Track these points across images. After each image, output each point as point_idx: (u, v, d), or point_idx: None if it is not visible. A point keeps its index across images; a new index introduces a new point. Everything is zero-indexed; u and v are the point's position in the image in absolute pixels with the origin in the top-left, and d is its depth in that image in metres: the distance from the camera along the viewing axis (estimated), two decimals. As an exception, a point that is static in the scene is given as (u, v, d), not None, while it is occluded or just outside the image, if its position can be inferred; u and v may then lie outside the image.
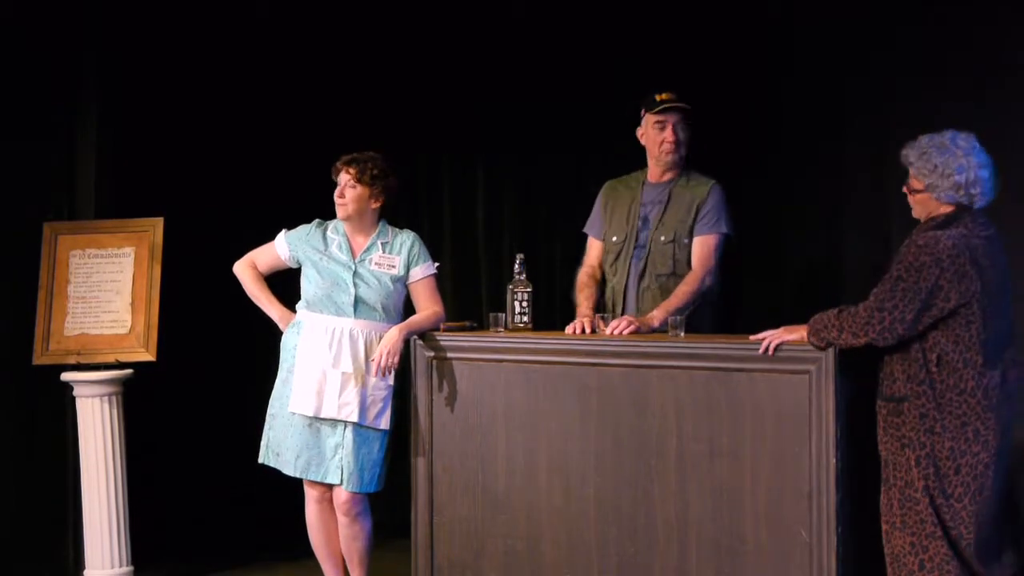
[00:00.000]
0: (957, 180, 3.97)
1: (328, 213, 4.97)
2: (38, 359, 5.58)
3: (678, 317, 4.48)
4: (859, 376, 4.11)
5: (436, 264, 4.97)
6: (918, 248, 3.92)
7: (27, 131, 5.73)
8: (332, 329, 4.81)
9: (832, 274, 5.56)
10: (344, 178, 4.86)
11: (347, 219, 4.88)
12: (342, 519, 4.87)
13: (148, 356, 5.55)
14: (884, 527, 4.04)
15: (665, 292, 4.77)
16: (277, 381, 4.92)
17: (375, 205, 4.91)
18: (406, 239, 4.93)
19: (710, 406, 4.23)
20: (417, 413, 4.78)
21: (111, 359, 5.53)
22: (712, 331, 4.74)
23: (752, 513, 4.17)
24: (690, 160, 4.96)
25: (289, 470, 4.86)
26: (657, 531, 4.33)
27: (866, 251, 5.40)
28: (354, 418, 4.75)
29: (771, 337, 4.11)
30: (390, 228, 4.96)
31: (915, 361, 3.95)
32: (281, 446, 4.87)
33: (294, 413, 4.82)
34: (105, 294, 5.62)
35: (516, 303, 4.80)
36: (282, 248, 4.98)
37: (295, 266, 4.96)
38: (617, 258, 4.94)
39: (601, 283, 5.03)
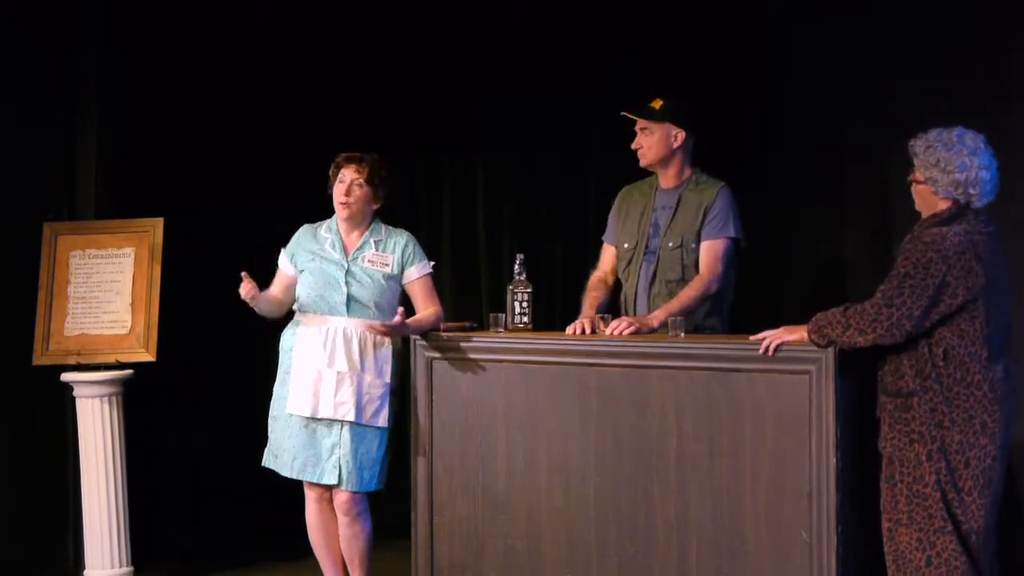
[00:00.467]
0: (957, 178, 3.99)
1: (326, 214, 4.97)
2: (38, 359, 5.58)
3: (678, 318, 4.48)
4: (857, 375, 4.11)
5: (432, 263, 4.96)
6: (924, 245, 3.94)
7: (27, 131, 5.73)
8: (326, 329, 4.81)
9: (833, 274, 5.56)
10: (352, 176, 4.85)
11: (349, 218, 4.88)
12: (342, 519, 4.87)
13: (148, 356, 5.55)
14: (886, 525, 4.03)
15: (667, 302, 4.76)
16: (276, 383, 4.92)
17: (375, 206, 4.91)
18: (400, 238, 4.92)
19: (710, 406, 4.23)
20: (417, 413, 4.78)
21: (111, 359, 5.53)
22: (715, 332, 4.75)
23: (752, 513, 4.17)
24: (700, 162, 4.94)
25: (286, 472, 4.86)
26: (657, 531, 4.33)
27: (866, 251, 5.40)
28: (351, 417, 4.75)
29: (771, 337, 4.11)
30: (383, 226, 4.96)
31: (921, 356, 3.97)
32: (279, 448, 4.87)
33: (291, 414, 4.82)
34: (105, 294, 5.62)
35: (516, 303, 4.80)
36: (285, 264, 4.97)
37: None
38: (628, 264, 4.93)
39: (611, 288, 5.01)
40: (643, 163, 4.92)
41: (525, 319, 4.80)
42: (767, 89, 5.68)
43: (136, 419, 5.63)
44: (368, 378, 4.78)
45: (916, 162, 4.08)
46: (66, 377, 5.51)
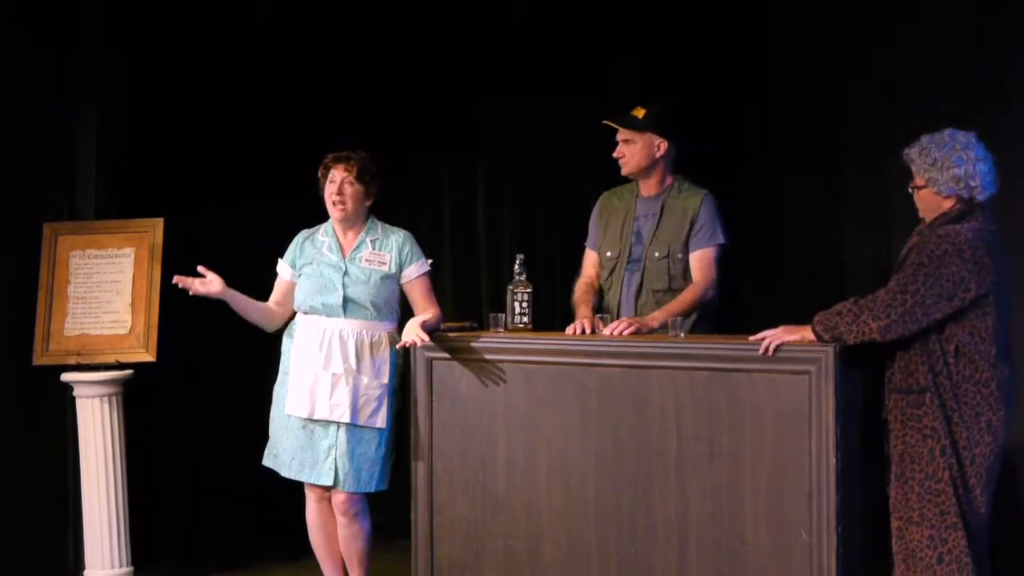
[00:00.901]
0: (956, 173, 4.02)
1: (325, 214, 4.97)
2: (38, 359, 5.58)
3: (679, 318, 4.48)
4: (859, 376, 4.12)
5: (430, 261, 4.96)
6: (939, 238, 3.97)
7: (27, 131, 5.73)
8: (323, 330, 4.81)
9: (832, 275, 5.56)
10: (341, 175, 4.85)
11: (343, 218, 4.87)
12: (340, 519, 4.87)
13: (148, 356, 5.55)
14: (896, 523, 4.05)
15: (662, 307, 4.75)
16: (276, 383, 4.92)
17: (368, 203, 4.91)
18: (397, 237, 4.92)
19: (710, 406, 4.23)
20: (417, 413, 4.77)
21: (111, 359, 5.53)
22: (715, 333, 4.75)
23: (752, 513, 4.17)
24: (684, 167, 4.94)
25: (285, 472, 4.86)
26: (657, 531, 4.33)
27: (866, 252, 5.40)
28: (346, 419, 4.74)
29: (771, 337, 4.11)
30: (380, 225, 4.95)
31: (932, 352, 3.99)
32: (278, 448, 4.87)
33: (290, 415, 4.82)
34: (105, 294, 5.62)
35: (516, 303, 4.79)
36: (285, 270, 4.97)
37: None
38: (611, 273, 4.93)
39: (599, 293, 5.01)
40: (624, 172, 4.92)
41: (525, 319, 4.79)
42: (767, 89, 5.68)
43: (136, 419, 5.63)
44: (365, 379, 4.78)
45: (913, 168, 4.12)
46: (66, 377, 5.51)
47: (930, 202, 4.10)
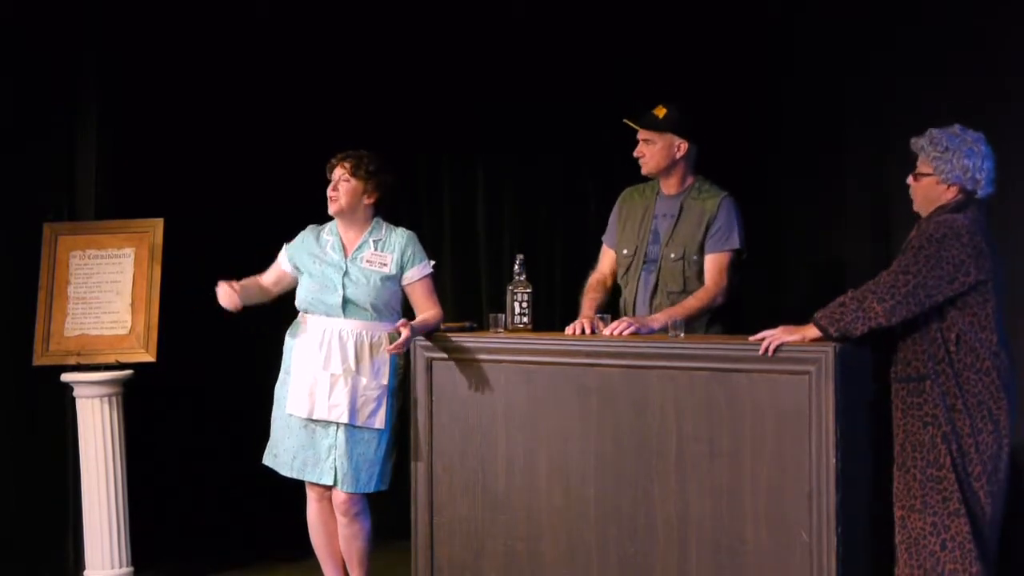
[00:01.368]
0: (966, 163, 4.07)
1: (325, 214, 4.97)
2: (38, 360, 5.58)
3: (679, 319, 4.48)
4: (858, 373, 4.12)
5: (432, 263, 4.96)
6: (937, 223, 4.01)
7: (27, 131, 5.73)
8: (323, 330, 4.81)
9: (833, 274, 5.56)
10: (338, 172, 4.86)
11: (339, 213, 4.87)
12: (340, 519, 4.87)
13: (148, 357, 5.55)
14: (899, 513, 4.08)
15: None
16: (277, 382, 4.92)
17: (368, 201, 4.89)
18: (400, 238, 4.91)
19: (710, 406, 4.23)
20: (417, 413, 4.77)
21: (111, 360, 5.54)
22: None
23: (752, 513, 4.17)
24: (701, 164, 4.93)
25: (285, 471, 4.86)
26: (657, 531, 4.33)
27: (866, 251, 5.40)
28: (344, 419, 4.75)
29: (771, 338, 4.12)
30: (384, 225, 4.94)
31: (933, 340, 4.03)
32: (279, 447, 4.88)
33: (291, 415, 4.82)
34: (105, 295, 5.62)
35: (516, 304, 4.79)
36: (284, 262, 4.98)
37: (297, 275, 4.95)
38: (627, 271, 4.92)
39: (609, 290, 5.00)
40: (645, 171, 4.89)
41: (525, 319, 4.79)
42: (767, 89, 5.68)
43: (136, 419, 5.63)
44: (364, 380, 4.78)
45: (922, 156, 4.15)
46: (66, 377, 5.51)
47: (930, 192, 4.13)
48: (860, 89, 5.42)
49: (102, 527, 5.48)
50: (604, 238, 5.08)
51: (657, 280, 4.83)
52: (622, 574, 4.41)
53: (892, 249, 4.81)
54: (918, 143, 4.16)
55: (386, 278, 4.85)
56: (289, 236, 5.03)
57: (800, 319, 4.14)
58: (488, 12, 6.11)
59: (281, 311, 5.05)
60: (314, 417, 4.77)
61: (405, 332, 4.64)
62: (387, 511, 5.24)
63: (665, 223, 4.86)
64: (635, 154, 4.88)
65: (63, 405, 5.65)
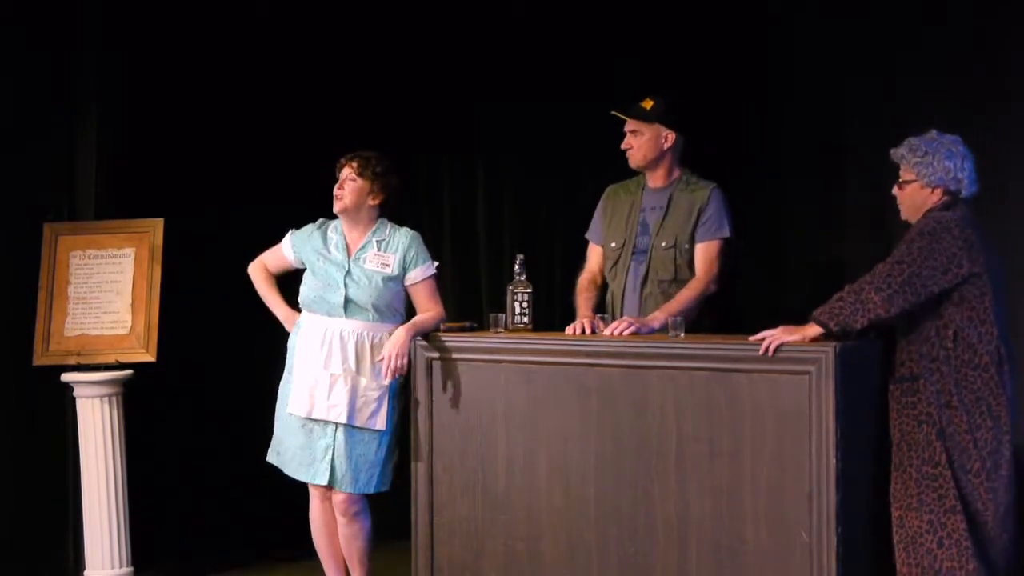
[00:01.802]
0: (947, 164, 4.12)
1: (329, 213, 4.97)
2: (38, 360, 5.58)
3: (678, 318, 4.48)
4: (859, 373, 4.12)
5: (436, 264, 4.96)
6: (926, 219, 4.08)
7: (27, 131, 5.73)
8: (324, 330, 4.81)
9: (832, 274, 5.55)
10: (345, 172, 4.87)
11: (343, 212, 4.87)
12: (340, 519, 4.88)
13: (148, 356, 5.55)
14: (896, 513, 4.10)
15: (668, 298, 4.75)
16: (281, 381, 4.93)
17: (373, 202, 4.90)
18: (403, 238, 4.91)
19: (710, 406, 4.23)
20: (417, 413, 4.77)
21: (111, 359, 5.54)
22: (713, 332, 4.74)
23: (752, 513, 4.17)
24: (690, 163, 4.94)
25: (288, 470, 4.88)
26: (657, 531, 4.33)
27: (866, 251, 5.39)
28: (343, 419, 4.75)
29: (771, 338, 4.12)
30: (389, 225, 4.95)
31: (927, 340, 4.07)
32: (282, 445, 4.88)
33: (291, 414, 4.82)
34: (105, 295, 5.62)
35: (516, 304, 4.79)
36: (287, 249, 4.99)
37: (301, 267, 4.96)
38: (616, 263, 4.93)
39: (602, 288, 5.02)
40: (632, 164, 4.92)
41: (525, 319, 4.79)
42: (767, 89, 5.68)
43: (136, 419, 5.63)
44: (364, 380, 4.78)
45: (903, 164, 4.24)
46: (66, 377, 5.51)
47: (916, 198, 4.19)
48: (860, 89, 5.42)
49: (102, 527, 5.48)
50: (589, 236, 5.09)
51: (647, 269, 4.85)
52: (622, 574, 4.41)
53: (892, 249, 4.80)
54: (897, 152, 4.23)
55: (388, 279, 4.85)
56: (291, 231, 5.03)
57: (800, 319, 4.14)
58: (488, 12, 6.11)
59: (281, 311, 5.06)
60: (313, 416, 4.78)
61: (397, 366, 4.70)
62: (387, 511, 5.24)
63: (654, 215, 4.87)
64: (623, 146, 4.91)
65: (63, 405, 5.65)
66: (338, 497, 4.83)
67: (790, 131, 5.66)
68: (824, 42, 5.52)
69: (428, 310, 4.86)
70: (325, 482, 4.79)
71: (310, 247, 4.93)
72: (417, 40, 6.26)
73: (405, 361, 4.72)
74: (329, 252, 4.89)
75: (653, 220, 4.87)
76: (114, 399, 5.49)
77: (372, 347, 4.81)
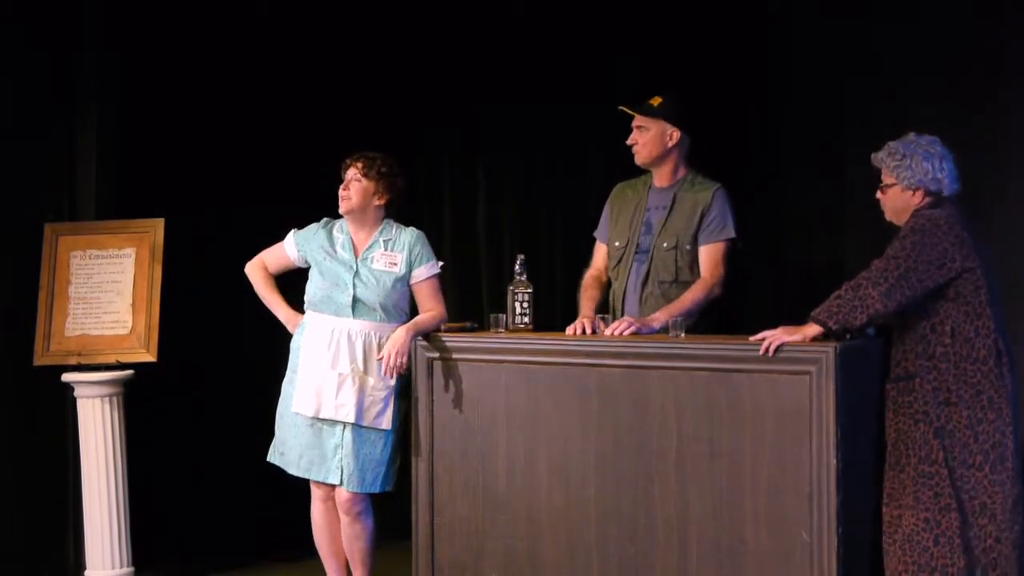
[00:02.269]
0: (925, 165, 4.15)
1: (329, 213, 4.98)
2: (39, 360, 5.58)
3: (679, 319, 4.48)
4: (858, 373, 4.13)
5: (440, 263, 4.96)
6: (915, 218, 4.12)
7: (27, 131, 5.73)
8: (332, 329, 4.82)
9: (832, 274, 5.54)
10: (351, 172, 4.87)
11: (349, 212, 4.88)
12: (343, 518, 4.88)
13: (149, 357, 5.55)
14: (892, 512, 4.11)
15: (668, 299, 4.74)
16: (284, 381, 4.93)
17: (379, 202, 4.90)
18: (409, 237, 4.92)
19: (710, 406, 4.23)
20: (418, 413, 4.78)
21: (112, 360, 5.53)
22: (714, 332, 4.74)
23: (752, 513, 4.17)
24: (694, 162, 4.94)
25: (293, 469, 4.87)
26: (657, 531, 4.34)
27: (866, 251, 5.38)
28: (351, 419, 4.75)
29: (771, 338, 4.12)
30: (394, 225, 4.95)
31: (924, 338, 4.09)
32: (285, 445, 4.88)
33: (297, 413, 4.82)
34: (106, 295, 5.62)
35: (517, 304, 4.79)
36: (291, 248, 4.99)
37: (304, 266, 4.97)
38: (619, 263, 4.93)
39: (606, 286, 5.02)
40: (638, 161, 4.92)
41: (526, 319, 4.79)
42: (767, 89, 5.68)
43: (136, 419, 5.63)
44: (371, 380, 4.78)
45: (884, 168, 4.27)
46: (67, 377, 5.51)
47: (898, 201, 4.22)
48: (860, 89, 5.42)
49: (102, 527, 5.48)
50: (596, 234, 5.10)
51: (649, 269, 4.84)
52: (622, 574, 4.41)
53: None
54: (877, 157, 4.27)
55: (396, 279, 4.86)
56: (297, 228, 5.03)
57: (800, 319, 4.15)
58: (488, 12, 6.11)
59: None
60: (321, 416, 4.78)
61: (397, 364, 4.70)
62: (388, 511, 5.24)
63: (658, 215, 4.87)
64: (628, 141, 4.90)
65: (64, 405, 5.65)
66: (343, 496, 4.83)
67: (790, 131, 5.66)
68: (824, 42, 5.52)
69: (430, 309, 4.86)
70: (337, 480, 4.80)
71: (316, 245, 4.93)
72: (417, 40, 6.26)
73: (405, 359, 4.73)
74: (336, 252, 4.90)
75: (656, 220, 4.87)
76: (114, 399, 5.48)
77: (379, 346, 4.81)
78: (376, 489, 4.83)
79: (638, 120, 4.89)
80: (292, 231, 5.01)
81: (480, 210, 6.42)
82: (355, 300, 4.81)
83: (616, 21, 5.91)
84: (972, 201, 4.32)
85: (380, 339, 4.81)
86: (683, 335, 4.41)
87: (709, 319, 4.77)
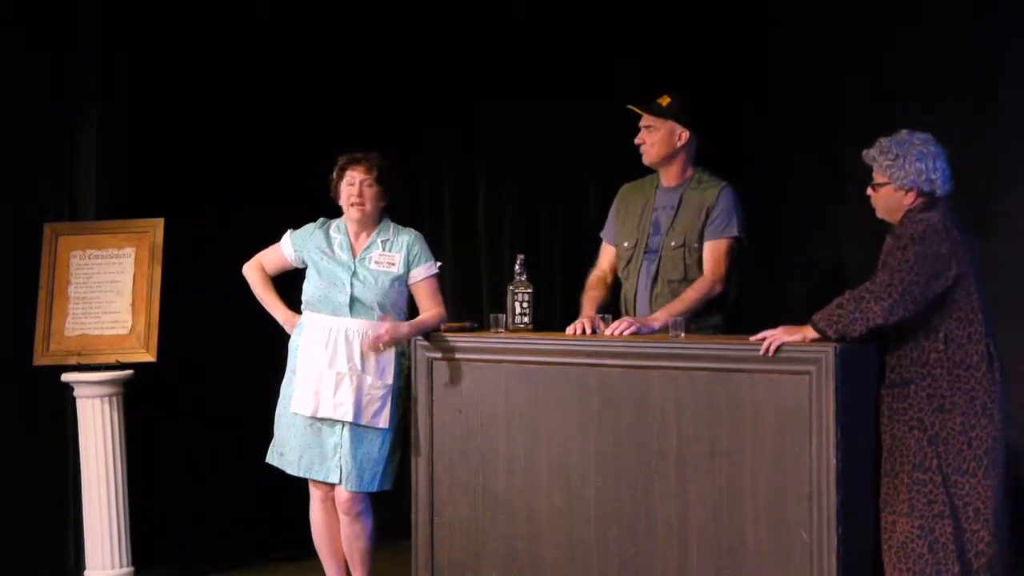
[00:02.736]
0: (919, 166, 4.12)
1: (328, 213, 4.97)
2: (39, 360, 5.58)
3: (679, 318, 4.48)
4: (858, 375, 4.13)
5: (439, 264, 4.96)
6: (914, 223, 4.07)
7: (27, 132, 5.73)
8: (329, 329, 4.82)
9: (832, 274, 5.56)
10: (360, 177, 4.85)
11: (361, 219, 4.88)
12: (343, 518, 4.88)
13: (148, 356, 5.55)
14: (887, 519, 4.10)
15: (677, 297, 4.75)
16: (283, 382, 4.93)
17: (383, 204, 4.91)
18: (407, 237, 4.92)
19: (710, 406, 4.23)
20: (417, 413, 4.78)
21: (111, 360, 5.53)
22: (716, 332, 4.74)
23: (752, 513, 4.17)
24: (701, 162, 4.93)
25: (292, 470, 4.87)
26: (657, 531, 4.34)
27: (866, 251, 5.39)
28: (349, 417, 4.75)
29: (771, 338, 4.12)
30: (392, 225, 4.96)
31: (918, 345, 4.07)
32: (285, 446, 4.88)
33: (296, 413, 4.83)
34: (106, 295, 5.62)
35: (517, 304, 4.79)
36: (287, 249, 4.99)
37: (301, 266, 4.97)
38: (628, 263, 4.92)
39: (610, 287, 5.00)
40: (646, 160, 4.90)
41: (526, 319, 4.79)
42: (767, 89, 5.68)
43: (136, 419, 5.63)
44: (369, 379, 4.78)
45: (875, 166, 4.24)
46: (66, 377, 5.51)
47: (890, 200, 4.19)
48: (860, 89, 5.42)
49: (102, 527, 5.48)
50: (603, 234, 5.09)
51: (658, 269, 4.84)
52: (622, 574, 4.41)
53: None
54: (869, 154, 4.23)
55: (394, 279, 4.86)
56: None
57: (800, 319, 4.14)
58: (488, 12, 6.11)
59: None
60: (319, 415, 4.78)
61: (382, 337, 4.70)
62: (388, 511, 5.24)
63: (666, 214, 4.86)
64: (636, 141, 4.89)
65: (63, 405, 5.65)
66: (342, 496, 4.83)
67: (790, 131, 5.66)
68: (824, 42, 5.52)
69: (429, 309, 4.87)
70: (337, 480, 4.80)
71: (312, 245, 4.93)
72: (417, 40, 6.26)
73: (387, 340, 4.71)
74: (333, 252, 4.90)
75: (665, 220, 4.86)
76: (114, 399, 5.48)
77: (377, 346, 4.82)
78: (375, 488, 4.83)
79: (646, 119, 4.87)
80: (288, 232, 5.01)
81: (480, 210, 6.42)
82: (352, 299, 4.81)
83: (616, 21, 5.92)
84: (972, 201, 4.32)
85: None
86: (683, 335, 4.41)
87: (713, 320, 4.76)
